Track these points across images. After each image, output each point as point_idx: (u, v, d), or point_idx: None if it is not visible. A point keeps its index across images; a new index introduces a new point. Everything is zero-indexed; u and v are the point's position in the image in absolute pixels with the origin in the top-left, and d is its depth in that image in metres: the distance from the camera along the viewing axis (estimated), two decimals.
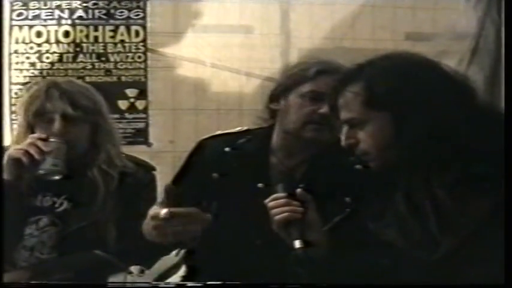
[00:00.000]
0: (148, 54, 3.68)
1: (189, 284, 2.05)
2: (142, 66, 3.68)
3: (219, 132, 2.50)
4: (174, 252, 2.37)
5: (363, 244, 1.99)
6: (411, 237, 1.90)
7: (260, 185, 2.31)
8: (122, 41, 3.68)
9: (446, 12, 3.80)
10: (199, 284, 2.08)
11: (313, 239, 1.94)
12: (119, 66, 3.67)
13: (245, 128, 2.40)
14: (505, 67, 1.97)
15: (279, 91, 2.38)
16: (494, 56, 3.61)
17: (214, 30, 3.72)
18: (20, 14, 3.58)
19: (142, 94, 3.68)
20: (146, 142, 3.69)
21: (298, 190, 2.00)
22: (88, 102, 2.43)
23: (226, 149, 2.34)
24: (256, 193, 2.28)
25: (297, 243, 1.92)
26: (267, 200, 2.01)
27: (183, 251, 2.38)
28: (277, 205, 1.99)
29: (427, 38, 3.74)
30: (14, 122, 3.18)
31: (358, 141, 1.97)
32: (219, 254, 2.25)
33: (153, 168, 2.55)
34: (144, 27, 3.68)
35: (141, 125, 3.69)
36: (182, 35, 3.70)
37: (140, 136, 3.69)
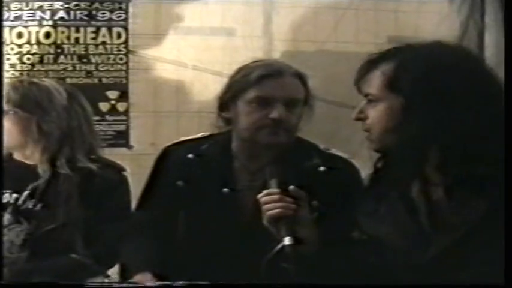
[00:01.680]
0: (130, 56, 3.66)
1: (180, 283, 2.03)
2: (123, 68, 3.66)
3: (182, 138, 2.48)
4: None
5: (352, 241, 1.99)
6: (404, 234, 1.89)
7: (225, 190, 2.30)
8: (104, 43, 3.66)
9: (429, 16, 3.82)
10: (186, 283, 2.06)
11: (303, 236, 1.93)
12: (100, 68, 3.65)
13: (207, 133, 2.39)
14: (505, 67, 1.95)
15: (227, 99, 2.36)
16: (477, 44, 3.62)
17: (196, 33, 3.71)
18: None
19: (124, 96, 3.66)
20: (127, 144, 3.67)
21: (292, 187, 1.98)
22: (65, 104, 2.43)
23: (190, 156, 2.33)
24: (222, 199, 2.28)
25: (287, 240, 1.90)
26: (260, 195, 2.00)
27: None
28: (271, 200, 1.97)
29: (409, 41, 3.74)
30: None
31: (366, 117, 1.96)
32: (189, 260, 2.25)
33: (123, 169, 2.52)
34: (125, 28, 3.67)
35: (122, 127, 3.67)
36: (164, 37, 3.69)
37: (121, 138, 3.66)
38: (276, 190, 1.99)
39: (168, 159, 2.43)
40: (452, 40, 3.36)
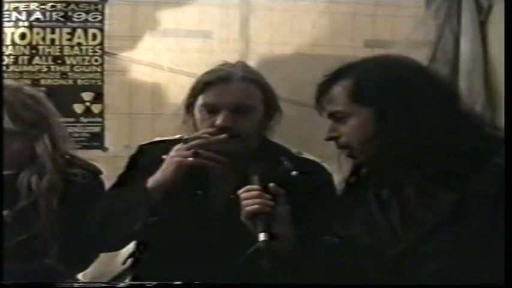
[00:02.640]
0: (105, 57, 3.63)
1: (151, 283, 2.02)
2: (98, 69, 3.63)
3: (157, 138, 2.47)
4: (120, 261, 2.33)
5: (324, 244, 2.06)
6: (375, 233, 1.97)
7: (199, 192, 2.29)
8: (79, 44, 3.64)
9: (406, 20, 3.83)
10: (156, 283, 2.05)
11: (280, 233, 1.97)
12: (75, 69, 3.62)
13: (183, 135, 2.37)
14: (505, 67, 1.98)
15: (187, 104, 2.36)
16: (452, 64, 3.65)
17: (172, 35, 3.69)
18: None
19: (99, 98, 3.63)
20: (102, 147, 3.64)
21: (271, 184, 2.03)
22: (31, 115, 2.37)
23: (164, 157, 2.31)
24: (195, 201, 2.27)
25: (262, 236, 1.94)
26: (240, 191, 2.04)
27: (130, 260, 2.35)
28: (250, 196, 2.01)
29: (386, 45, 3.76)
30: None
31: (339, 135, 2.01)
32: (164, 261, 2.23)
33: (100, 172, 2.49)
34: (101, 30, 3.64)
35: (96, 129, 3.64)
36: (140, 39, 3.67)
37: (95, 140, 3.64)
38: (256, 186, 2.03)
39: (142, 158, 2.42)
40: (427, 43, 3.43)
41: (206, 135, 2.24)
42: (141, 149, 2.46)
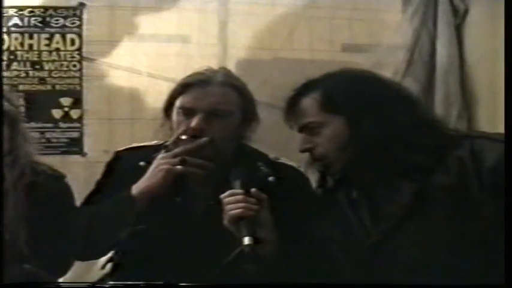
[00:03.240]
0: (84, 62, 3.62)
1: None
2: (77, 74, 3.62)
3: (134, 144, 2.46)
4: (99, 266, 2.32)
5: (302, 247, 2.09)
6: (347, 231, 2.05)
7: (178, 198, 2.28)
8: (57, 49, 3.62)
9: (383, 24, 3.86)
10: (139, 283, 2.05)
11: (263, 237, 2.00)
12: (54, 75, 3.61)
13: (161, 141, 2.36)
14: (505, 67, 2.01)
15: (166, 107, 2.35)
16: (429, 67, 3.69)
17: (151, 39, 3.69)
18: None
19: (77, 103, 3.62)
20: (81, 152, 3.62)
21: (254, 189, 2.05)
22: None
23: (141, 163, 2.30)
24: (174, 208, 2.26)
25: (246, 240, 1.95)
26: (223, 195, 2.05)
27: (109, 265, 2.34)
28: (233, 201, 2.03)
29: (363, 49, 3.80)
30: None
31: (315, 145, 2.07)
32: (145, 268, 2.22)
33: (63, 176, 2.47)
34: (79, 35, 3.63)
35: (75, 135, 3.62)
36: (118, 44, 3.66)
37: (74, 146, 3.62)
38: (239, 191, 2.04)
39: (119, 165, 2.40)
40: (404, 46, 3.46)
41: (184, 137, 2.23)
42: (118, 155, 2.44)
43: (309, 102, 2.08)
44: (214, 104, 2.25)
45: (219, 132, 2.24)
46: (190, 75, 2.33)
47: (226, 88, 2.29)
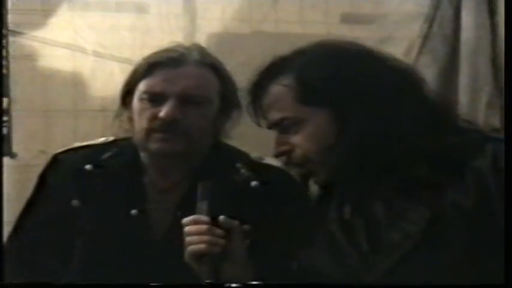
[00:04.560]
0: (10, 38, 3.56)
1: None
2: (1, 53, 3.52)
3: (77, 144, 2.46)
4: None
5: (290, 273, 2.11)
6: (342, 261, 2.01)
7: (134, 212, 2.30)
8: None
9: None
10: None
11: (231, 276, 2.02)
12: None
13: (111, 138, 2.38)
14: (505, 67, 2.04)
15: (124, 92, 2.36)
16: (451, 43, 3.69)
17: (97, 9, 3.66)
18: None
19: (2, 91, 3.49)
20: (9, 152, 3.56)
21: (222, 217, 2.03)
22: None
23: (88, 167, 2.31)
24: (129, 222, 2.28)
25: (208, 280, 1.98)
26: (184, 221, 2.03)
27: None
28: (196, 231, 2.01)
29: (368, 20, 3.78)
30: None
31: (292, 147, 2.03)
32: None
33: None
34: (1, 2, 3.54)
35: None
36: (55, 14, 3.61)
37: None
38: (204, 218, 2.02)
39: (59, 171, 2.40)
40: (419, 16, 3.50)
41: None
42: (56, 158, 2.45)
43: (279, 92, 2.02)
44: (189, 87, 2.26)
45: (195, 123, 2.26)
46: (157, 53, 2.33)
47: (204, 69, 2.30)
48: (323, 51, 2.05)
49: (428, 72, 3.38)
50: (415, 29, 3.74)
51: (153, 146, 2.25)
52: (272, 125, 2.05)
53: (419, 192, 1.93)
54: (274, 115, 2.03)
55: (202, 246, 2.00)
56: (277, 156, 2.07)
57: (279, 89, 2.02)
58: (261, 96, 2.06)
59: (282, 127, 2.03)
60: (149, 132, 2.25)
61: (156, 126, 2.24)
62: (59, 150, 2.47)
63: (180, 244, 2.06)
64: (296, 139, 2.01)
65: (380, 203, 1.98)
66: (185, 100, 2.24)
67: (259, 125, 2.10)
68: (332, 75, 1.98)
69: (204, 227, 2.01)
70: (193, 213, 2.06)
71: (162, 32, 3.60)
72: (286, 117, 2.01)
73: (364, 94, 1.96)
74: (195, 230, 2.01)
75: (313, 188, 2.19)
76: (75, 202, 2.32)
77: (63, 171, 2.39)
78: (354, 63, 2.01)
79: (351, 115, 1.95)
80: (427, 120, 1.98)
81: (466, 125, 2.05)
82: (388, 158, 1.94)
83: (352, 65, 2.00)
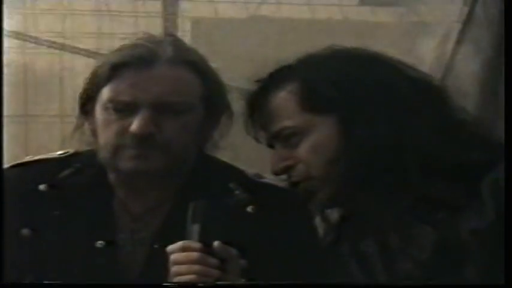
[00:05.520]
0: None
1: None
2: None
3: (28, 158, 2.40)
4: None
5: None
6: None
7: (100, 243, 2.24)
8: None
9: None
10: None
11: None
12: None
13: (71, 150, 2.32)
14: (505, 67, 2.00)
15: (84, 100, 2.29)
16: (498, 29, 3.63)
17: None
18: None
19: None
20: None
21: (217, 243, 1.95)
22: None
23: (41, 188, 2.26)
24: (95, 256, 2.22)
25: None
26: (171, 248, 1.94)
27: None
28: (185, 260, 1.97)
29: (392, 1, 3.76)
30: None
31: (295, 162, 2.01)
32: None
33: None
34: None
35: None
36: None
37: None
38: (195, 244, 1.96)
39: (6, 191, 2.37)
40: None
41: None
42: (4, 175, 2.41)
43: (283, 98, 2.03)
44: (164, 93, 2.15)
45: (175, 135, 2.20)
46: (120, 50, 2.27)
47: (180, 68, 2.20)
48: (333, 56, 2.08)
49: (470, 65, 3.34)
50: (452, 13, 3.67)
51: (124, 164, 2.16)
52: (273, 137, 2.02)
53: (435, 214, 1.94)
54: (277, 124, 2.02)
55: (192, 277, 1.94)
56: (278, 173, 2.02)
57: (283, 95, 2.03)
58: (262, 106, 2.05)
59: (284, 139, 2.02)
60: (118, 149, 2.17)
61: (127, 142, 2.15)
62: (7, 165, 2.42)
63: (159, 285, 2.01)
64: (299, 152, 2.00)
65: (391, 225, 2.01)
66: (160, 109, 2.15)
67: (257, 139, 2.06)
68: (340, 81, 2.02)
69: (194, 254, 1.95)
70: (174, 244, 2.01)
71: (134, 19, 3.58)
72: (287, 126, 2.01)
73: (373, 102, 1.99)
74: (183, 258, 1.95)
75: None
76: (25, 231, 2.25)
77: (11, 193, 2.33)
78: (366, 68, 2.04)
79: (359, 124, 2.00)
80: (445, 132, 2.00)
81: (493, 141, 2.03)
82: (400, 173, 1.95)
83: (363, 70, 2.04)
